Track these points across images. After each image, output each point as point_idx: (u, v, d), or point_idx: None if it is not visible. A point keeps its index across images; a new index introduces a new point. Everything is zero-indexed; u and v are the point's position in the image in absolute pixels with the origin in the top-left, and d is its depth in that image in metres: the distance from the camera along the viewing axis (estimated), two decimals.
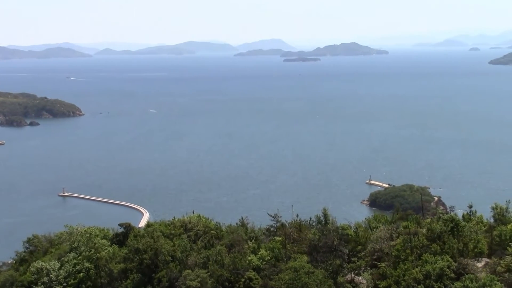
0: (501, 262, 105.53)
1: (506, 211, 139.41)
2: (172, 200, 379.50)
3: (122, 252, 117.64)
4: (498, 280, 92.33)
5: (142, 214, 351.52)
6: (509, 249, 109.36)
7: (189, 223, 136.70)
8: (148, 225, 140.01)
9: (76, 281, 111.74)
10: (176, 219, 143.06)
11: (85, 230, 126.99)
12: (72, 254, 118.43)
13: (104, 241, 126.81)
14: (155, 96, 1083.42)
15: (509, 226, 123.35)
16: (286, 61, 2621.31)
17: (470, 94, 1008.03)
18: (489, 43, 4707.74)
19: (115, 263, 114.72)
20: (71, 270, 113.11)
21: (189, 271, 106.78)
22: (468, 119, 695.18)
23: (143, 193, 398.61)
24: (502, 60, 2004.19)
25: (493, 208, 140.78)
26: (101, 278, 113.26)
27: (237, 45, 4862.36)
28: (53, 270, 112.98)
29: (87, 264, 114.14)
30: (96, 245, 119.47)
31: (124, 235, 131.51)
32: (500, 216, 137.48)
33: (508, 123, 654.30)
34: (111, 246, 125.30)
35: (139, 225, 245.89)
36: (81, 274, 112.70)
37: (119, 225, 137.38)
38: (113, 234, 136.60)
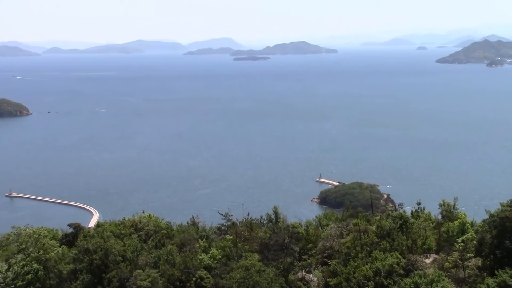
0: (449, 258, 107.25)
1: (454, 207, 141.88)
2: (122, 200, 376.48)
3: (72, 253, 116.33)
4: (445, 276, 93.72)
5: (92, 214, 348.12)
6: (456, 245, 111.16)
7: (140, 222, 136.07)
8: (98, 225, 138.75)
9: (24, 282, 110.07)
10: (127, 219, 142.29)
11: (33, 231, 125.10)
12: (20, 256, 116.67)
13: (53, 241, 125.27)
14: (104, 95, 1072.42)
15: (456, 222, 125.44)
16: (236, 60, 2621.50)
17: (417, 93, 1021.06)
18: (436, 42, 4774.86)
19: (65, 264, 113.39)
20: (19, 271, 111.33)
21: (140, 271, 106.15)
22: (416, 118, 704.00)
23: (92, 193, 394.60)
24: (448, 59, 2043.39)
25: (440, 205, 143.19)
26: (50, 279, 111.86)
27: (187, 44, 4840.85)
28: (0, 272, 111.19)
29: (35, 266, 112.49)
30: (45, 246, 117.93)
31: (73, 236, 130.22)
32: (447, 213, 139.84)
33: (454, 121, 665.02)
34: (60, 247, 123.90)
35: (89, 225, 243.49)
36: (30, 275, 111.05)
37: (68, 225, 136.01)
38: (62, 235, 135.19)
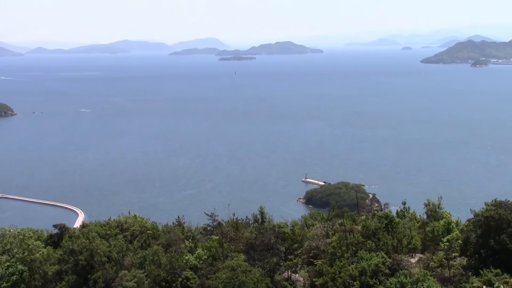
0: (434, 257, 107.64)
1: (439, 207, 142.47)
2: (107, 200, 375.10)
3: (57, 254, 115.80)
4: (431, 275, 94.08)
5: (77, 214, 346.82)
6: (442, 245, 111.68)
7: (125, 223, 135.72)
8: (84, 225, 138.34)
9: (9, 284, 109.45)
10: (112, 219, 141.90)
11: (18, 232, 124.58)
12: (4, 257, 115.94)
13: (38, 242, 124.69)
14: (89, 95, 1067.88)
15: (441, 222, 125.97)
16: (221, 60, 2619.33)
17: (403, 93, 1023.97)
18: (420, 42, 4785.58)
19: (50, 265, 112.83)
20: (3, 273, 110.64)
21: (126, 271, 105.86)
22: (401, 118, 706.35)
23: (77, 194, 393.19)
24: (433, 59, 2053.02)
25: (425, 205, 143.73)
26: (35, 281, 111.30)
27: (172, 44, 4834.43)
28: None
29: (20, 267, 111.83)
30: (29, 247, 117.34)
31: (58, 236, 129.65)
32: (432, 212, 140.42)
33: (439, 121, 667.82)
34: (45, 248, 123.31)
35: (74, 226, 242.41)
36: (15, 276, 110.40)
37: (54, 226, 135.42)
38: (47, 236, 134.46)
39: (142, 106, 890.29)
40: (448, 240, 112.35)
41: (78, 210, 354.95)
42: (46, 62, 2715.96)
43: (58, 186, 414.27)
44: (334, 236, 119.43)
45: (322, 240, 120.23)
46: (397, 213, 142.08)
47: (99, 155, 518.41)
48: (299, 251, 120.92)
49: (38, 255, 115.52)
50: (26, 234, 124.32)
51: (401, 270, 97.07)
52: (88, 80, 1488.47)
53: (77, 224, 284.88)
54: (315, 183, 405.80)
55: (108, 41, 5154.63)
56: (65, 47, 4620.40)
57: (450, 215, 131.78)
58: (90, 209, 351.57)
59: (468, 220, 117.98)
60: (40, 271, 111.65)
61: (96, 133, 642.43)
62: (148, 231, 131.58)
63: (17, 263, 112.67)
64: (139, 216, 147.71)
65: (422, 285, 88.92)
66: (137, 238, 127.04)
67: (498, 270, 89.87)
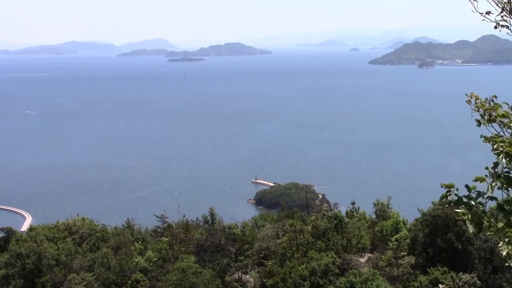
0: (383, 256, 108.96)
1: (387, 207, 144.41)
2: (55, 203, 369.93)
3: (3, 258, 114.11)
4: (380, 274, 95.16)
5: (25, 218, 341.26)
6: (390, 244, 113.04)
7: (74, 226, 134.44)
8: (31, 229, 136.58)
9: None
10: (60, 222, 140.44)
11: None
12: None
13: None
14: (35, 97, 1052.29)
15: (389, 221, 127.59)
16: (170, 61, 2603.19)
17: (351, 94, 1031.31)
18: (368, 43, 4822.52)
19: None
20: None
21: (74, 274, 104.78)
22: (349, 119, 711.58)
23: (24, 197, 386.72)
24: (381, 60, 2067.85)
25: (374, 204, 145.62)
26: None
27: (121, 45, 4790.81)
28: None
29: None
30: None
31: (5, 240, 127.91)
32: (381, 212, 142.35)
33: (387, 122, 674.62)
34: None
35: (21, 229, 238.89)
36: None
37: (0, 229, 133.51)
38: None
39: (90, 108, 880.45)
40: (396, 240, 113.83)
41: (25, 213, 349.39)
42: None
43: (3, 189, 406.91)
44: (284, 237, 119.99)
45: (272, 240, 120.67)
46: (346, 213, 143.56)
47: (46, 157, 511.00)
48: (250, 252, 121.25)
49: None
50: None
51: (351, 269, 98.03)
52: (34, 82, 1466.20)
53: (25, 227, 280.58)
54: (265, 184, 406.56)
55: (55, 42, 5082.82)
56: (11, 48, 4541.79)
57: (398, 214, 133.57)
58: (37, 212, 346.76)
59: (416, 220, 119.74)
60: None
61: (42, 135, 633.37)
62: (97, 234, 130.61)
63: None
64: (87, 219, 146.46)
65: (372, 284, 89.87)
66: (86, 241, 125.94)
67: (445, 268, 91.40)
